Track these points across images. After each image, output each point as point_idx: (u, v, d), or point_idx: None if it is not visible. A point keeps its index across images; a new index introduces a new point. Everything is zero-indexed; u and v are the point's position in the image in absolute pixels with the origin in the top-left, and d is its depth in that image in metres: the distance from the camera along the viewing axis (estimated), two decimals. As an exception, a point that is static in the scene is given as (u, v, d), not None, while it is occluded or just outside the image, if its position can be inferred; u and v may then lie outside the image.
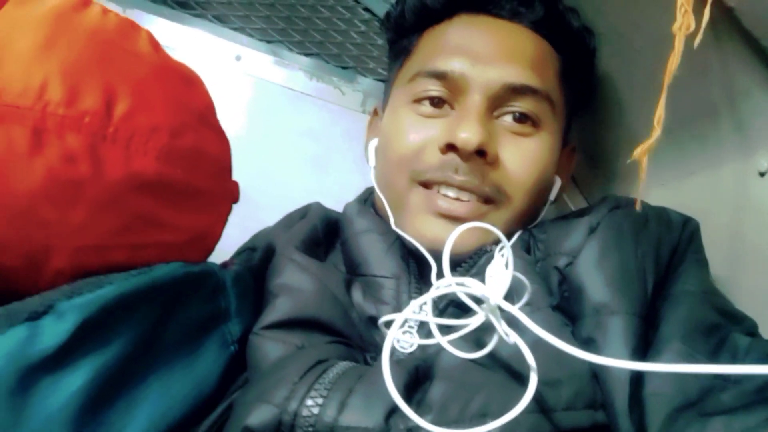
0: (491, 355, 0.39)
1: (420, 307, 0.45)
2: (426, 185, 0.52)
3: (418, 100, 0.54)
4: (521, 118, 0.53)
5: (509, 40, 0.55)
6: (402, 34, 0.62)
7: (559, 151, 0.57)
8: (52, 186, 0.34)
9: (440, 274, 0.38)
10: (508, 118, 0.53)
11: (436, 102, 0.54)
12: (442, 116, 0.53)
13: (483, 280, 0.40)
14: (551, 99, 0.54)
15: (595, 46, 0.61)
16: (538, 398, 0.36)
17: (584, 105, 0.65)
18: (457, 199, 0.50)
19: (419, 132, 0.53)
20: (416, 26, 0.60)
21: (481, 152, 0.50)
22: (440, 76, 0.53)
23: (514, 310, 0.34)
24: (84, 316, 0.33)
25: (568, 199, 0.78)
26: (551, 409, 0.36)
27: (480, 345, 0.41)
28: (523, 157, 0.52)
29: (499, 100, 0.52)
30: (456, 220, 0.49)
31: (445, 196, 0.50)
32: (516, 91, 0.52)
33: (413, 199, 0.52)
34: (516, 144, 0.52)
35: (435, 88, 0.54)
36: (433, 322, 0.39)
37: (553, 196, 0.58)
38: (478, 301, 0.37)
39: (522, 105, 0.53)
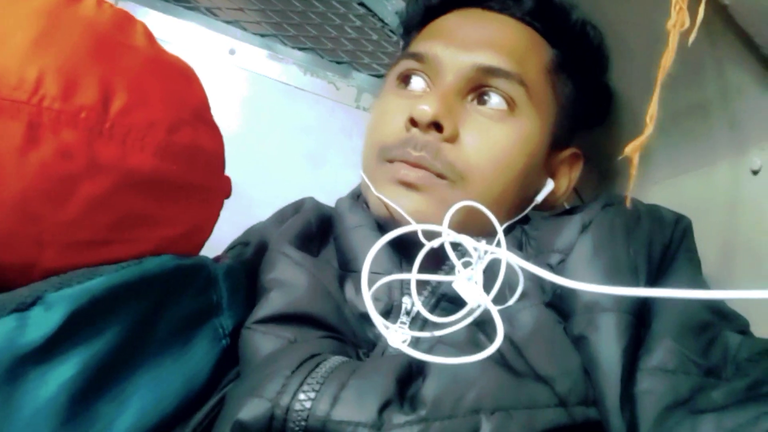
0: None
1: (410, 305, 0.46)
2: (390, 161, 0.52)
3: (400, 79, 0.57)
4: (491, 99, 0.53)
5: (490, 29, 0.56)
6: (409, 33, 0.66)
7: (543, 145, 0.56)
8: (47, 181, 0.34)
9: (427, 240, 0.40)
10: (480, 100, 0.53)
11: (412, 80, 0.55)
12: (418, 97, 0.54)
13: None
14: (527, 84, 0.53)
15: (600, 43, 0.61)
16: (531, 394, 0.37)
17: (599, 114, 0.65)
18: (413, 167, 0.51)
19: (392, 113, 0.54)
20: (419, 24, 0.63)
21: (437, 126, 0.50)
22: (418, 58, 0.55)
23: (491, 248, 0.34)
24: (73, 307, 0.33)
25: (567, 205, 0.78)
26: (544, 405, 0.36)
27: (473, 343, 0.41)
28: (485, 139, 0.52)
29: (471, 81, 0.53)
30: (411, 187, 0.50)
31: (404, 165, 0.51)
32: (487, 72, 0.52)
33: (379, 174, 0.53)
34: (482, 126, 0.52)
35: (413, 67, 0.56)
36: (414, 278, 0.39)
37: (540, 197, 0.56)
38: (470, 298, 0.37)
39: (494, 86, 0.53)
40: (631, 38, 0.58)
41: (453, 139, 0.51)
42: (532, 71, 0.55)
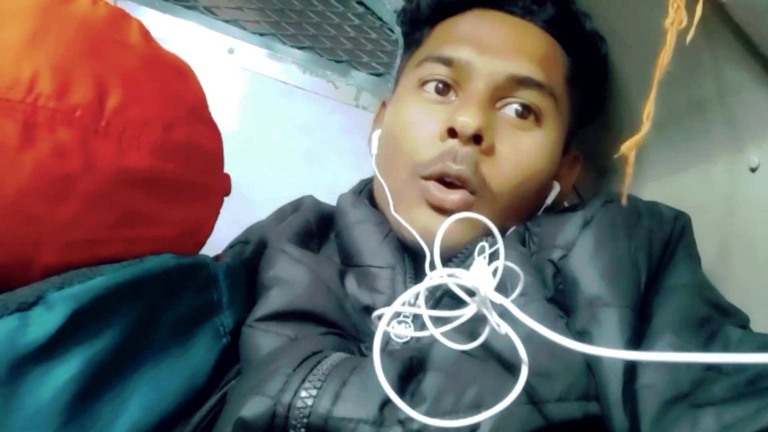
0: (485, 347, 0.39)
1: (413, 299, 0.46)
2: (426, 178, 0.51)
3: (424, 83, 0.55)
4: (523, 111, 0.53)
5: (518, 35, 0.55)
6: (416, 27, 0.63)
7: (560, 153, 0.57)
8: (43, 181, 0.34)
9: (433, 265, 0.39)
10: (510, 110, 0.53)
11: (441, 87, 0.54)
12: (445, 103, 0.53)
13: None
14: (555, 95, 0.54)
15: (606, 53, 0.61)
16: (530, 390, 0.36)
17: (593, 115, 0.65)
18: (449, 186, 0.50)
19: (423, 123, 0.53)
20: (430, 19, 0.61)
21: (477, 138, 0.50)
22: (447, 62, 0.54)
23: (505, 301, 0.34)
24: (74, 306, 0.33)
25: (566, 203, 0.78)
26: (544, 400, 0.36)
27: (474, 337, 0.41)
28: (518, 152, 0.52)
29: (502, 90, 0.52)
30: (444, 212, 0.50)
31: (439, 183, 0.50)
32: (520, 83, 0.52)
33: (410, 192, 0.52)
34: (513, 138, 0.52)
35: (441, 73, 0.54)
36: (426, 313, 0.39)
37: (549, 200, 0.57)
38: (471, 292, 0.37)
39: (525, 97, 0.53)
40: (629, 36, 0.58)
41: (490, 151, 0.51)
42: (557, 82, 0.55)
